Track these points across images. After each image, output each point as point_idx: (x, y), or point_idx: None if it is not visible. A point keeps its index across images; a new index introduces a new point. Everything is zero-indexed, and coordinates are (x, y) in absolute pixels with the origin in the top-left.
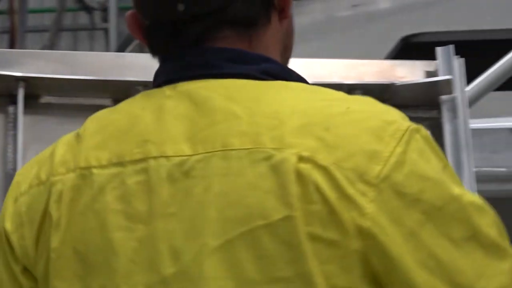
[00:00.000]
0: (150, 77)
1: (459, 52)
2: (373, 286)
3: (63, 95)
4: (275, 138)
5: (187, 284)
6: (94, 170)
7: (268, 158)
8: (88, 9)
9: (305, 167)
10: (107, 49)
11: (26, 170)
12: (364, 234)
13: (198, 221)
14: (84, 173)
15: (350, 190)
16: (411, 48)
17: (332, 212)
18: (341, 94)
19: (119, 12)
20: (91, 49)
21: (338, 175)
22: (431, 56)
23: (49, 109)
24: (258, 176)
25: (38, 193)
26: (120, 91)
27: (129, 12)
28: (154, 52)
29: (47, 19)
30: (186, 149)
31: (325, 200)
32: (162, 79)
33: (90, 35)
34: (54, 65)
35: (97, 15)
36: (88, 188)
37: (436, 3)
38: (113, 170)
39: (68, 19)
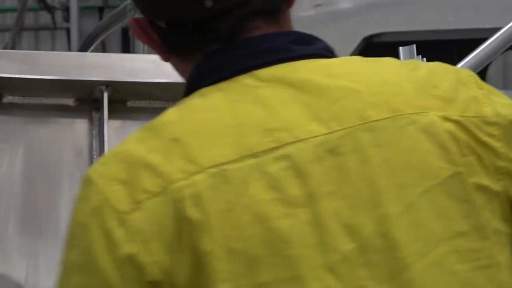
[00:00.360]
0: (112, 77)
1: (421, 52)
2: None
3: (26, 95)
4: (407, 103)
5: (378, 256)
6: (226, 167)
7: (413, 122)
8: (50, 9)
9: (448, 125)
10: (69, 48)
11: (108, 192)
12: (503, 173)
13: (368, 193)
14: (214, 171)
15: (482, 136)
16: (374, 48)
17: (479, 160)
18: (404, 61)
19: (81, 11)
20: (53, 48)
21: (469, 125)
22: (394, 56)
23: (12, 109)
24: (413, 140)
25: (157, 205)
26: (82, 90)
27: (133, 19)
28: (176, 51)
29: (8, 19)
30: (318, 129)
31: (472, 150)
32: (227, 72)
33: (52, 35)
34: (16, 65)
35: (59, 15)
36: (226, 184)
37: (398, 3)
38: (248, 162)
39: (29, 19)
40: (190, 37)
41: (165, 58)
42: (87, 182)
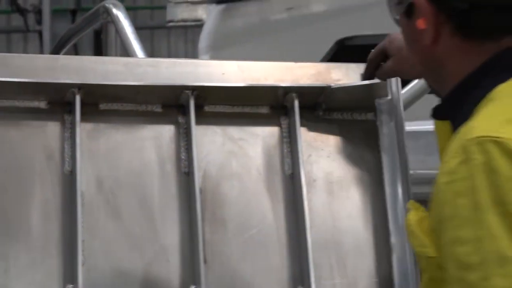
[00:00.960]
0: (84, 79)
1: None
2: None
3: None
4: None
5: None
6: None
7: None
8: (22, 11)
9: None
10: (41, 51)
11: None
12: None
13: None
14: None
15: None
16: (346, 51)
17: None
18: None
19: (53, 14)
20: (25, 51)
21: None
22: (365, 59)
23: None
24: None
25: None
26: (54, 93)
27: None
28: (474, 34)
29: None
30: None
31: None
32: None
33: (24, 37)
34: None
35: (31, 17)
36: None
37: (371, 6)
38: None
39: (1, 21)
40: (499, 20)
41: (433, 43)
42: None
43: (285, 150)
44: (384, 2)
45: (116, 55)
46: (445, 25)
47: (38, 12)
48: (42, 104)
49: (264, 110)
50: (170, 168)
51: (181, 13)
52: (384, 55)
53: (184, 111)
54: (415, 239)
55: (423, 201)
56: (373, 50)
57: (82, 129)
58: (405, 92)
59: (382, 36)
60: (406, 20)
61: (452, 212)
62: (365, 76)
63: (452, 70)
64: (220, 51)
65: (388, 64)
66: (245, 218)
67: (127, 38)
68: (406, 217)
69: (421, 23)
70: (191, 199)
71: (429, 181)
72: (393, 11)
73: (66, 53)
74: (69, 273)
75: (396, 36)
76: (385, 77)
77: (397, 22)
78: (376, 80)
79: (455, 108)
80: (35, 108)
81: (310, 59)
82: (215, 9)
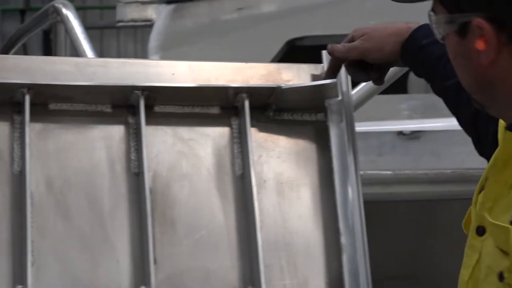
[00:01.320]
0: (33, 79)
1: None
2: None
3: None
4: None
5: None
6: None
7: None
8: None
9: None
10: None
11: None
12: None
13: None
14: None
15: None
16: (296, 51)
17: None
18: None
19: (2, 14)
20: None
21: None
22: (317, 60)
23: None
24: None
25: None
26: (3, 93)
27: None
28: None
29: None
30: None
31: None
32: None
33: None
34: None
35: None
36: None
37: (321, 7)
38: None
39: None
40: None
41: (490, 63)
42: None
43: (236, 151)
44: (335, 2)
45: (65, 55)
46: (505, 46)
47: None
48: None
49: (215, 110)
50: (120, 168)
51: (130, 13)
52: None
53: (134, 111)
54: None
55: (373, 202)
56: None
57: (32, 129)
58: (355, 93)
59: (333, 37)
60: (459, 39)
61: None
62: (328, 74)
63: (509, 89)
64: (170, 51)
65: (357, 42)
66: (196, 219)
67: (77, 38)
68: None
69: (480, 44)
70: (141, 199)
71: (380, 181)
72: (440, 28)
73: (15, 53)
74: (19, 273)
75: (363, 28)
76: (351, 55)
77: (442, 38)
78: (328, 80)
79: None
80: None
81: (261, 60)
82: (165, 9)
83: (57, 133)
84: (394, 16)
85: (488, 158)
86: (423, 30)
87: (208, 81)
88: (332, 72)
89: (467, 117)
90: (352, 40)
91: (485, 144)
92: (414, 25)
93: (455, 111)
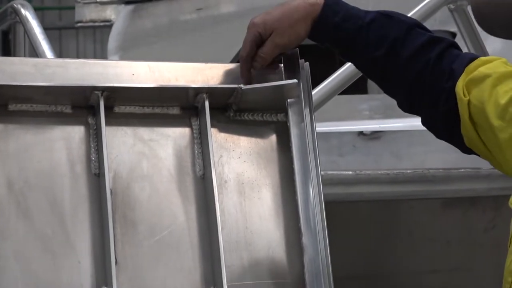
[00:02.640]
0: None
1: (304, 55)
2: None
3: None
4: None
5: None
6: None
7: None
8: None
9: None
10: None
11: None
12: None
13: None
14: None
15: None
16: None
17: None
18: None
19: None
20: None
21: None
22: (276, 59)
23: None
24: None
25: None
26: None
27: None
28: None
29: None
30: None
31: None
32: None
33: None
34: None
35: None
36: None
37: None
38: None
39: None
40: None
41: None
42: None
43: (196, 151)
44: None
45: (25, 55)
46: None
47: None
48: None
49: (175, 111)
50: (80, 169)
51: (89, 13)
52: (258, 44)
53: (94, 112)
54: None
55: (334, 202)
56: (242, 47)
57: None
58: (316, 93)
59: None
60: None
61: None
62: (245, 78)
63: None
64: (129, 52)
65: (271, 43)
66: (157, 220)
67: (36, 38)
68: None
69: None
70: (101, 200)
71: (341, 182)
72: None
73: None
74: None
75: (262, 18)
76: (269, 58)
77: None
78: (288, 81)
79: None
80: None
81: (221, 60)
82: (124, 9)
83: (16, 133)
84: None
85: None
86: (331, 6)
87: (168, 81)
88: (248, 70)
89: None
90: (259, 38)
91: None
92: (319, 1)
93: (388, 79)
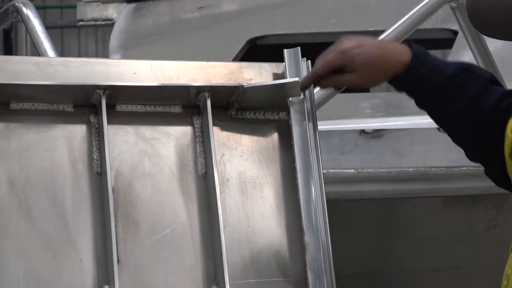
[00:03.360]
0: None
1: (306, 54)
2: None
3: None
4: None
5: None
6: None
7: None
8: None
9: None
10: None
11: None
12: None
13: None
14: None
15: None
16: (258, 50)
17: None
18: None
19: None
20: None
21: None
22: (279, 58)
23: None
24: None
25: None
26: None
27: None
28: None
29: None
30: None
31: None
32: None
33: None
34: None
35: None
36: None
37: (282, 6)
38: None
39: None
40: None
41: None
42: None
43: (198, 150)
44: (296, 0)
45: (26, 54)
46: None
47: None
48: None
49: (177, 109)
50: (82, 168)
51: (91, 12)
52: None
53: (96, 110)
54: None
55: (336, 200)
56: (320, 64)
57: None
58: (318, 91)
59: (295, 35)
60: None
61: None
62: (303, 85)
63: None
64: (131, 50)
65: (350, 79)
66: (159, 218)
67: (38, 37)
68: None
69: None
70: (103, 199)
71: (342, 180)
72: None
73: None
74: None
75: (353, 51)
76: (340, 87)
77: None
78: (290, 79)
79: None
80: None
81: (222, 59)
82: (126, 8)
83: (18, 132)
84: (354, 14)
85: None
86: (419, 57)
87: (169, 80)
88: (309, 84)
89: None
90: (341, 66)
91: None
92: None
93: (467, 136)
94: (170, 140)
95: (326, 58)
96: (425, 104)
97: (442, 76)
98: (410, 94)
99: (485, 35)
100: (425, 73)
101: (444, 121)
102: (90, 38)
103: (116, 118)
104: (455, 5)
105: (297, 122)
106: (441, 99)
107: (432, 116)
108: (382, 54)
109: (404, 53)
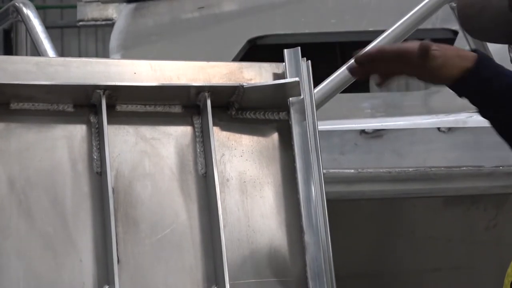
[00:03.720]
0: None
1: (306, 54)
2: None
3: None
4: None
5: None
6: None
7: None
8: None
9: None
10: None
11: None
12: None
13: None
14: None
15: None
16: (258, 50)
17: None
18: None
19: None
20: None
21: None
22: (279, 58)
23: None
24: None
25: None
26: None
27: None
28: None
29: None
30: None
31: None
32: None
33: None
34: None
35: None
36: None
37: (282, 6)
38: None
39: None
40: None
41: None
42: None
43: (198, 150)
44: (296, 0)
45: (26, 54)
46: None
47: None
48: None
49: (177, 109)
50: (82, 168)
51: (91, 12)
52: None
53: (96, 110)
54: None
55: (336, 200)
56: (393, 46)
57: None
58: (318, 91)
59: (295, 35)
60: None
61: None
62: (363, 57)
63: None
64: (131, 50)
65: (411, 72)
66: (159, 218)
67: (38, 37)
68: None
69: None
70: (103, 199)
71: (342, 180)
72: None
73: None
74: None
75: (433, 48)
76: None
77: None
78: (290, 79)
79: None
80: None
81: (222, 59)
82: (126, 8)
83: (18, 132)
84: (354, 14)
85: None
86: (484, 61)
87: (170, 80)
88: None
89: None
90: (412, 59)
91: None
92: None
93: None
94: (170, 140)
95: (407, 44)
96: (488, 110)
97: (506, 80)
98: (469, 98)
99: (476, 39)
100: (490, 76)
101: (509, 130)
102: (90, 38)
103: (116, 118)
104: (455, 5)
105: (297, 122)
106: (507, 102)
107: (495, 125)
108: (447, 63)
109: (468, 57)
